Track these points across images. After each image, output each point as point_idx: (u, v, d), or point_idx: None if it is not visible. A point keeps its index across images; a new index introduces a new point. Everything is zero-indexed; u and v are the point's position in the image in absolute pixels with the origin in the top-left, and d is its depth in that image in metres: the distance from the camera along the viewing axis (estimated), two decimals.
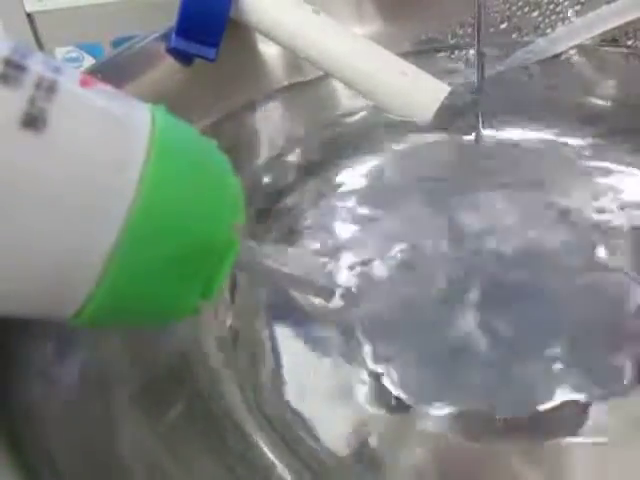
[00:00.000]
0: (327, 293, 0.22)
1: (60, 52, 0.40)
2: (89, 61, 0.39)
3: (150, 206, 0.13)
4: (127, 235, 0.13)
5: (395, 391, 0.21)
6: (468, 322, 0.22)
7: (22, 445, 0.17)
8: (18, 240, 0.12)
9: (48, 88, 0.12)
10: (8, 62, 0.12)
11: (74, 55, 0.39)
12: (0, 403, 0.18)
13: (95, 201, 0.13)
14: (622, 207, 0.25)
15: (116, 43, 0.38)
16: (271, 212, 0.27)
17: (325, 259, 0.25)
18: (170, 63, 0.27)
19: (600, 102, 0.29)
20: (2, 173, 0.12)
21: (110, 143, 0.13)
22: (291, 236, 0.27)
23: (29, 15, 0.38)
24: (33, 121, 0.12)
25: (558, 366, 0.21)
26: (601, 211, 0.25)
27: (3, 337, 0.19)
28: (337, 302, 0.23)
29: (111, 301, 0.14)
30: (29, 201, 0.12)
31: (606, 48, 0.30)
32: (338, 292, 0.23)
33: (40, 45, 0.39)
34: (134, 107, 0.14)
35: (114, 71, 0.27)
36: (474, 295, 0.23)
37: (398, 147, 0.30)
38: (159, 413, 0.20)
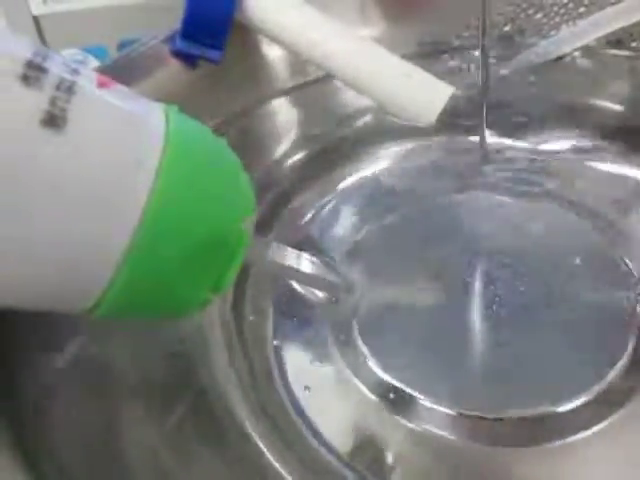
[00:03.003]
0: (334, 289, 0.23)
1: (65, 55, 0.40)
2: (94, 64, 0.39)
3: (165, 203, 0.14)
4: (142, 231, 0.13)
5: (397, 386, 0.21)
6: (471, 317, 0.23)
7: (26, 444, 0.17)
8: (36, 236, 0.13)
9: (67, 89, 0.13)
10: (30, 64, 0.13)
11: (79, 58, 0.39)
12: (4, 403, 0.18)
13: (112, 198, 0.13)
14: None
15: (121, 46, 0.38)
16: (276, 212, 0.28)
17: (328, 254, 0.25)
18: (175, 65, 0.27)
19: (604, 104, 0.29)
20: (24, 171, 0.12)
21: (127, 142, 0.14)
22: (296, 235, 0.27)
23: (35, 18, 0.39)
24: (53, 120, 0.12)
25: (560, 365, 0.21)
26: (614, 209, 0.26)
27: (7, 337, 0.19)
28: (342, 298, 0.24)
29: (126, 295, 0.14)
30: (48, 198, 0.13)
31: (610, 50, 0.30)
32: (344, 288, 0.23)
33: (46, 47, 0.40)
34: (149, 107, 0.15)
35: (119, 73, 0.27)
36: (476, 291, 0.23)
37: (402, 148, 0.30)
38: (162, 412, 0.21)
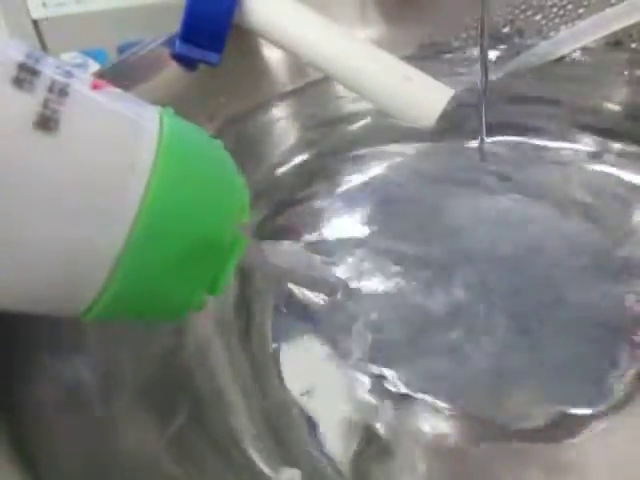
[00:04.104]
0: (329, 289, 0.23)
1: (65, 58, 0.40)
2: (94, 67, 0.40)
3: (158, 206, 0.14)
4: (136, 235, 0.13)
5: (397, 386, 0.21)
6: (472, 319, 0.23)
7: (25, 447, 0.17)
8: (28, 239, 0.13)
9: (60, 91, 0.13)
10: (22, 66, 0.13)
11: (79, 61, 0.40)
12: (4, 405, 0.18)
13: (105, 201, 0.13)
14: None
15: (121, 49, 0.38)
16: (275, 215, 0.28)
17: (327, 257, 0.25)
18: (175, 68, 0.27)
19: (603, 104, 0.29)
20: (16, 173, 0.12)
21: (120, 145, 0.14)
22: (295, 236, 0.27)
23: (35, 22, 0.39)
24: (46, 123, 0.12)
25: (560, 371, 0.21)
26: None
27: (6, 339, 0.19)
28: (342, 299, 0.23)
29: (120, 299, 0.14)
30: (40, 201, 0.12)
31: (610, 51, 0.30)
32: (340, 288, 0.23)
33: (45, 51, 0.40)
34: (143, 109, 0.15)
35: (119, 76, 0.27)
36: (477, 293, 0.23)
37: (402, 151, 0.30)
38: (162, 415, 0.21)
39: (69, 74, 0.13)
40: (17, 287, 0.13)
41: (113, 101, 0.14)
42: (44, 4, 0.38)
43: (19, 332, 0.19)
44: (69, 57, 0.40)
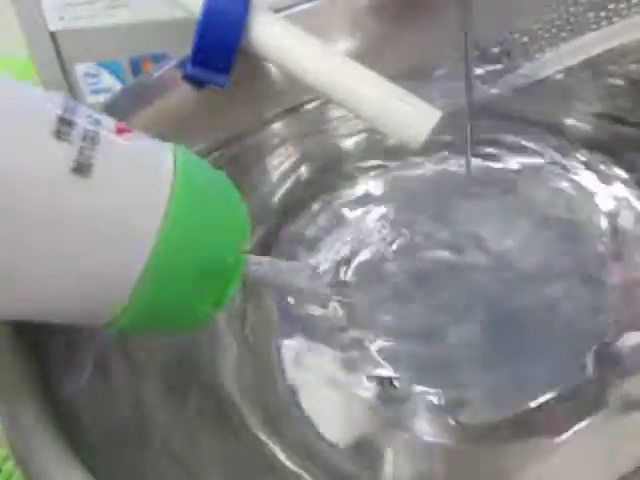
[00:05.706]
0: (323, 300, 0.24)
1: (80, 68, 0.41)
2: (107, 77, 0.41)
3: (173, 237, 0.16)
4: (154, 261, 0.15)
5: (397, 384, 0.22)
6: (467, 321, 0.24)
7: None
8: (64, 266, 0.15)
9: (92, 139, 0.15)
10: (61, 119, 0.14)
11: (93, 72, 0.41)
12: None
13: (128, 233, 0.15)
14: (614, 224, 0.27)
15: (133, 62, 0.40)
16: (277, 229, 0.28)
17: (322, 270, 0.26)
18: (184, 88, 0.28)
19: (576, 123, 0.31)
20: (59, 213, 0.14)
21: (143, 183, 0.15)
22: (295, 250, 0.28)
23: (52, 34, 0.40)
24: (81, 168, 0.14)
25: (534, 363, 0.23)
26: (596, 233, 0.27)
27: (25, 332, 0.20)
28: (336, 309, 0.25)
29: (138, 316, 0.16)
30: (76, 234, 0.14)
31: (591, 71, 0.31)
32: (333, 300, 0.25)
33: (62, 61, 0.41)
34: (160, 149, 0.17)
35: (133, 94, 0.29)
36: (466, 299, 0.25)
37: (396, 168, 0.30)
38: (170, 409, 0.22)
39: (97, 122, 0.15)
40: (52, 304, 0.16)
41: (136, 144, 0.16)
42: (61, 18, 0.40)
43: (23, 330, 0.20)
44: (84, 67, 0.41)
